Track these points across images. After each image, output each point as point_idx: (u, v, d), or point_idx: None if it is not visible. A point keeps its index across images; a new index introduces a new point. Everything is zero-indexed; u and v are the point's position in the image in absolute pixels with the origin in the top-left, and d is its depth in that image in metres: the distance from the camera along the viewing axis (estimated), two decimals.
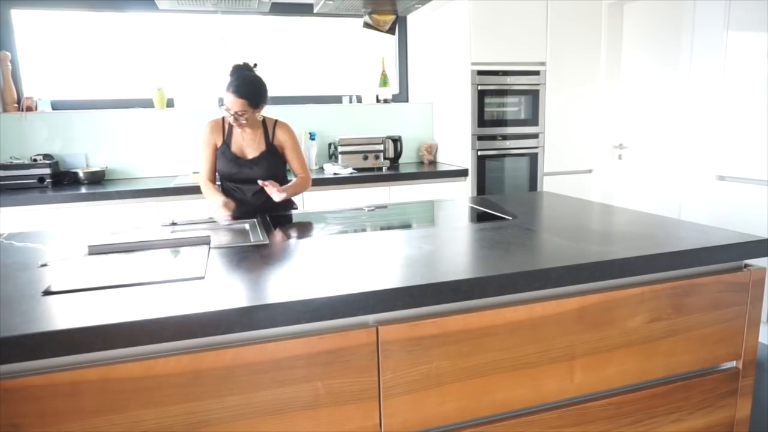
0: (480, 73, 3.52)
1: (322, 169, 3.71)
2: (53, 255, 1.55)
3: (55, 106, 3.44)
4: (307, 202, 3.25)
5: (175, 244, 1.63)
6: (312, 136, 3.76)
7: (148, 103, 3.58)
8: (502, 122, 3.64)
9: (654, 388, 1.49)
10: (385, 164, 3.74)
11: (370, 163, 3.69)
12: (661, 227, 1.71)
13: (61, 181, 3.24)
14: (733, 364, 1.60)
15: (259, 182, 2.15)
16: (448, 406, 1.28)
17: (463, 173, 3.60)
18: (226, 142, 2.28)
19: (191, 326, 1.06)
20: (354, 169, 3.57)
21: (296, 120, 3.71)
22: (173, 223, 1.98)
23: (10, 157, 3.26)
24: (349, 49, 4.06)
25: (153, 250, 1.59)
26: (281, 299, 1.13)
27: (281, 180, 2.31)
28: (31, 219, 2.85)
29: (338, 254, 1.49)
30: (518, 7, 3.53)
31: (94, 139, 3.43)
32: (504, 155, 3.68)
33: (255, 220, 2.03)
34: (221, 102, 2.17)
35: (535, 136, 3.72)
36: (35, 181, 3.11)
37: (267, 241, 1.67)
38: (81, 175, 3.23)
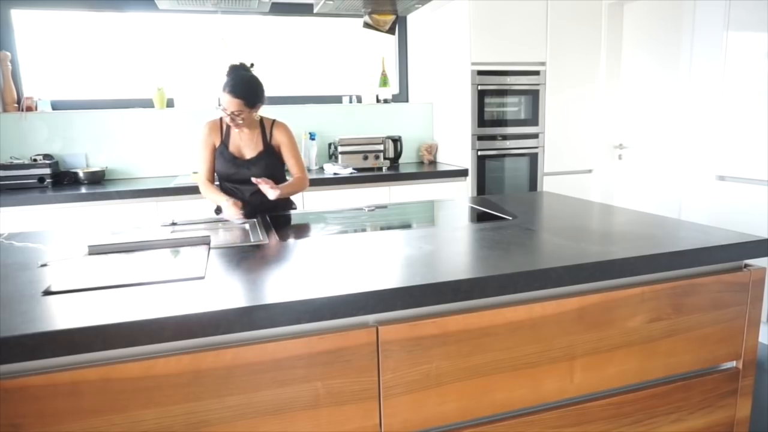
0: (480, 73, 3.52)
1: (322, 169, 3.71)
2: (53, 255, 1.55)
3: (55, 106, 3.44)
4: (307, 202, 3.25)
5: (175, 244, 1.63)
6: (312, 136, 3.76)
7: (148, 103, 3.58)
8: (502, 122, 3.64)
9: (654, 388, 1.49)
10: (385, 164, 3.74)
11: (370, 163, 3.69)
12: (661, 227, 1.71)
13: (61, 181, 3.24)
14: (733, 364, 1.60)
15: (253, 179, 2.14)
16: (448, 406, 1.28)
17: (463, 173, 3.60)
18: (224, 142, 2.28)
19: (191, 326, 1.06)
20: (354, 169, 3.57)
21: (296, 120, 3.71)
22: (173, 223, 1.98)
23: (10, 157, 3.26)
24: (349, 49, 4.06)
25: (153, 250, 1.59)
26: (281, 299, 1.13)
27: (279, 180, 2.31)
28: (31, 219, 2.85)
29: (338, 254, 1.49)
30: (518, 7, 3.53)
31: (94, 139, 3.44)
32: (504, 155, 3.68)
33: (255, 220, 2.04)
34: (219, 103, 2.17)
35: (535, 136, 3.72)
36: (35, 181, 3.11)
37: (267, 241, 1.67)
38: (81, 175, 3.23)
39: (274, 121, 2.35)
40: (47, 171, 3.13)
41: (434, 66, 4.01)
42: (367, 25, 3.66)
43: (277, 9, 3.67)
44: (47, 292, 1.21)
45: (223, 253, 1.52)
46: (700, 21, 3.06)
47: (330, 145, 3.82)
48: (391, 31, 3.73)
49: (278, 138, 2.33)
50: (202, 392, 1.09)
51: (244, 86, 2.14)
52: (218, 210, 2.37)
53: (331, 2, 3.14)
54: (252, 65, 2.27)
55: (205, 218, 2.18)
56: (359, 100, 4.04)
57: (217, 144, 2.29)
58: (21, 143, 3.31)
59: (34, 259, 1.50)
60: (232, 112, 2.13)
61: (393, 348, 1.20)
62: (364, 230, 1.86)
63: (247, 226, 1.95)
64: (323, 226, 1.94)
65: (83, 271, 1.38)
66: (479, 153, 3.61)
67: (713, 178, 3.06)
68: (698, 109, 3.14)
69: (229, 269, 1.37)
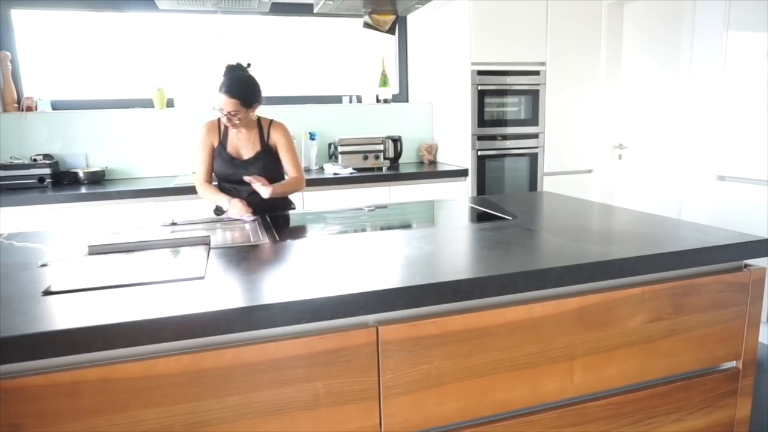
0: (480, 73, 3.52)
1: (322, 169, 3.71)
2: (53, 255, 1.55)
3: (55, 106, 3.44)
4: (307, 202, 3.25)
5: (175, 244, 1.63)
6: (312, 136, 3.76)
7: (148, 103, 3.58)
8: (502, 122, 3.64)
9: (654, 388, 1.49)
10: (385, 164, 3.74)
11: (370, 163, 3.69)
12: (661, 227, 1.71)
13: (61, 181, 3.24)
14: (733, 364, 1.60)
15: (245, 178, 2.13)
16: (448, 406, 1.28)
17: (463, 173, 3.60)
18: (222, 143, 2.28)
19: (191, 326, 1.06)
20: (354, 169, 3.57)
21: (296, 120, 3.72)
22: (173, 223, 1.98)
23: (10, 157, 3.26)
24: (349, 49, 4.06)
25: (153, 250, 1.59)
26: (281, 299, 1.13)
27: (277, 180, 2.30)
28: (31, 219, 2.85)
29: (338, 254, 1.49)
30: (518, 7, 3.53)
31: (94, 139, 3.44)
32: (504, 155, 3.68)
33: (255, 220, 2.04)
34: (216, 104, 2.16)
35: (535, 136, 3.72)
36: (35, 181, 3.11)
37: (267, 241, 1.67)
38: (81, 175, 3.23)
39: (271, 121, 2.35)
40: (47, 171, 3.13)
41: (434, 66, 4.01)
42: (367, 25, 3.66)
43: (277, 9, 3.67)
44: (47, 292, 1.21)
45: (222, 253, 1.52)
46: (700, 21, 3.07)
47: (330, 145, 3.82)
48: (391, 31, 3.73)
49: (275, 138, 2.33)
50: (202, 392, 1.09)
51: (241, 86, 2.14)
52: (218, 210, 2.37)
53: (331, 2, 3.14)
54: (249, 65, 2.27)
55: (204, 218, 2.19)
56: (359, 100, 4.04)
57: (216, 145, 2.29)
58: (21, 143, 3.31)
59: (34, 259, 1.50)
60: (229, 112, 2.13)
61: (393, 348, 1.20)
62: (364, 230, 1.86)
63: (247, 226, 1.95)
64: (323, 226, 1.94)
65: (83, 271, 1.38)
66: (479, 153, 3.61)
67: (713, 178, 3.06)
68: (698, 109, 3.14)
69: (228, 269, 1.37)
